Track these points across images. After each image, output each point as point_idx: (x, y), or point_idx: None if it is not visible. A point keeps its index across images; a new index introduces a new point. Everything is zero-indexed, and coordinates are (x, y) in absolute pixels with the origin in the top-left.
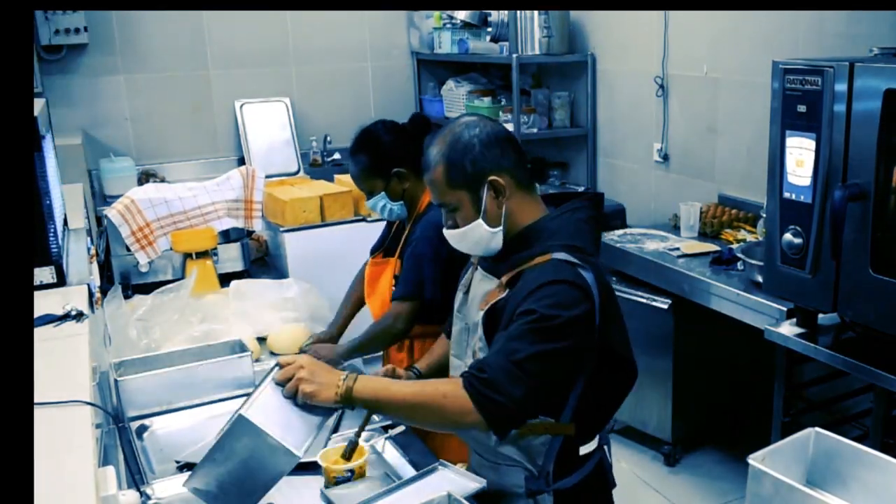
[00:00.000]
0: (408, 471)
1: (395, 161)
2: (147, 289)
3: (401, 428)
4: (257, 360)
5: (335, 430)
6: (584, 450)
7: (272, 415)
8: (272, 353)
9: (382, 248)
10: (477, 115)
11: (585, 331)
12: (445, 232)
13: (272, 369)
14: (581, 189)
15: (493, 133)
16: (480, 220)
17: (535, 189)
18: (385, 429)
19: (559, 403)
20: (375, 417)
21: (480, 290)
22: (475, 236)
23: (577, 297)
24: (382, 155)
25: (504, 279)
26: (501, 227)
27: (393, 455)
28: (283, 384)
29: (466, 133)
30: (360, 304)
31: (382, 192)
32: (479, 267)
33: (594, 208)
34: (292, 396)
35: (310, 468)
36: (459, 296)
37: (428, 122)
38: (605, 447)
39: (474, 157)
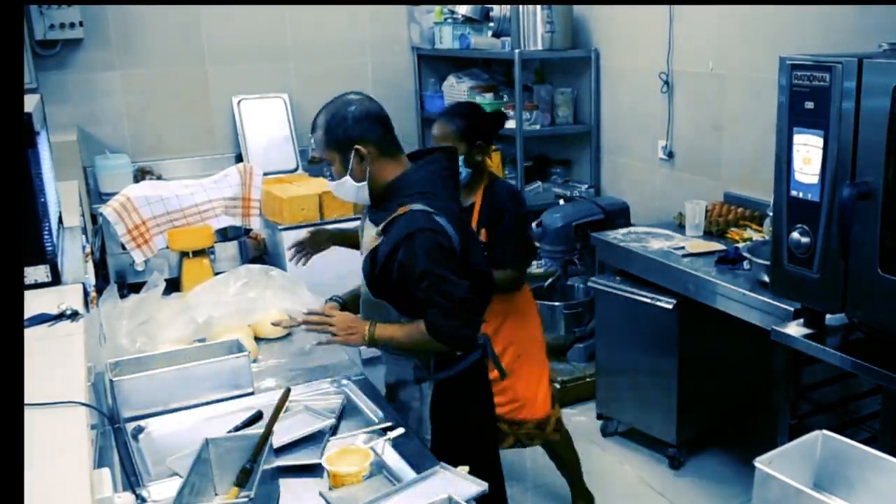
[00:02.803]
0: (407, 472)
1: (481, 135)
2: (143, 288)
3: (400, 431)
4: (255, 361)
5: (333, 433)
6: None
7: None
8: (258, 339)
9: None
10: (359, 94)
11: (454, 259)
12: (327, 182)
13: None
14: (584, 186)
15: (365, 111)
16: (347, 177)
17: (399, 154)
18: (384, 430)
19: None
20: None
21: (367, 236)
22: (345, 188)
23: (437, 240)
24: (476, 126)
25: (380, 227)
26: (365, 183)
27: (392, 457)
28: None
29: (343, 108)
30: None
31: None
32: (366, 218)
33: (447, 159)
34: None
35: (308, 470)
36: (361, 238)
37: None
38: (486, 346)
39: (345, 128)
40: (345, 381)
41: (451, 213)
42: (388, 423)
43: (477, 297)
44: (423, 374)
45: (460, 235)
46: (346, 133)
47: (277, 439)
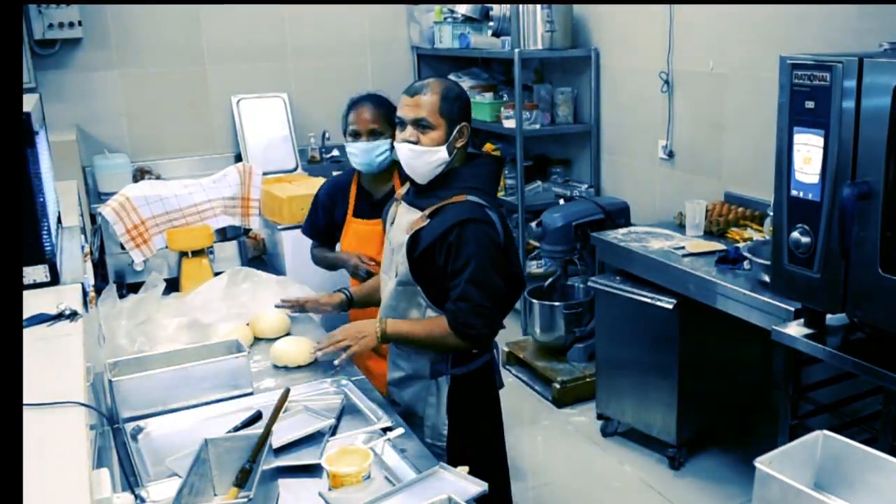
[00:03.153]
0: (407, 473)
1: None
2: (142, 288)
3: (400, 431)
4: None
5: (332, 433)
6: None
7: None
8: (256, 339)
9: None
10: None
11: (499, 255)
12: (400, 145)
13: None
14: (584, 186)
15: (469, 100)
16: (444, 148)
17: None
18: (384, 430)
19: None
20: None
21: (405, 219)
22: (430, 158)
23: (488, 232)
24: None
25: (428, 211)
26: (449, 160)
27: (392, 457)
28: None
29: (460, 88)
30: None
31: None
32: (402, 202)
33: (497, 164)
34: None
35: (308, 471)
36: (387, 226)
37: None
38: (494, 350)
39: (461, 105)
40: (344, 382)
41: (500, 213)
42: (388, 423)
43: (507, 299)
44: (442, 368)
45: (505, 235)
46: (462, 109)
47: (277, 439)
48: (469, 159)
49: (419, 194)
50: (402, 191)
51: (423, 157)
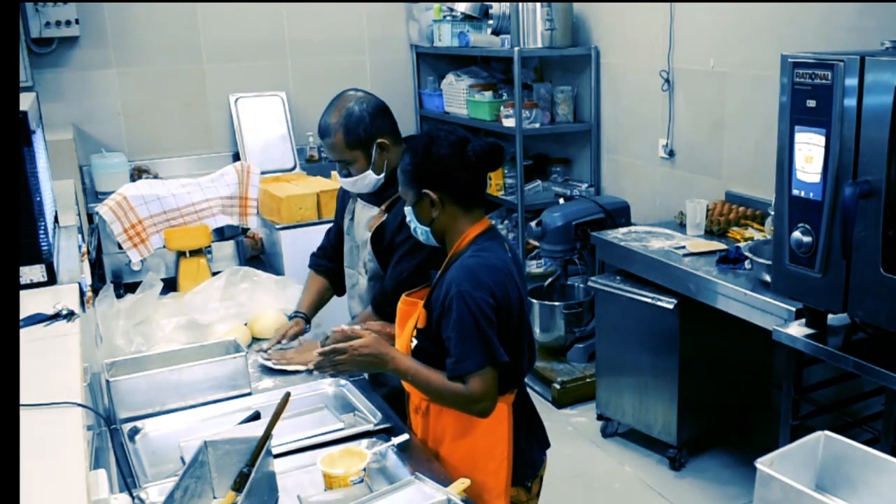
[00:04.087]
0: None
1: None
2: (139, 288)
3: (404, 437)
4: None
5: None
6: None
7: None
8: (255, 339)
9: (426, 287)
10: (357, 90)
11: None
12: (341, 180)
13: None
14: (584, 185)
15: (374, 105)
16: (370, 171)
17: (401, 137)
18: (388, 433)
19: None
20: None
21: (364, 216)
22: (365, 182)
23: None
24: (425, 168)
25: (384, 206)
26: (385, 173)
27: (394, 463)
28: None
29: (355, 107)
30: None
31: (411, 209)
32: (358, 199)
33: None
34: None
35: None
36: (346, 221)
37: (498, 155)
38: None
39: (365, 125)
40: (343, 382)
41: None
42: (388, 425)
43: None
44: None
45: None
46: (367, 130)
47: (280, 440)
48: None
49: (375, 193)
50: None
51: (358, 185)
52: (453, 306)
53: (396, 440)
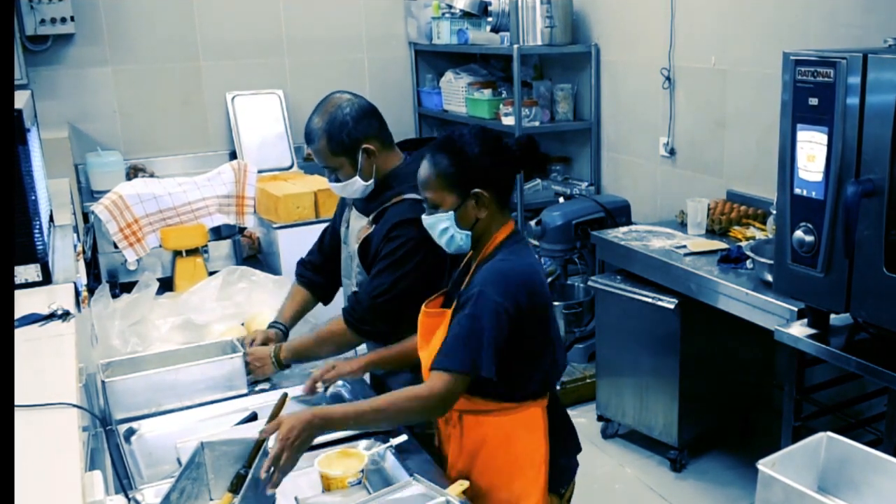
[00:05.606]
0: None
1: (483, 181)
2: (135, 288)
3: (402, 437)
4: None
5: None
6: None
7: None
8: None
9: (441, 294)
10: (344, 93)
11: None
12: (331, 185)
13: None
14: (584, 184)
15: (360, 108)
16: (357, 177)
17: (393, 143)
18: (386, 437)
19: None
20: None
21: (356, 225)
22: (353, 188)
23: (423, 231)
24: (470, 167)
25: (371, 216)
26: (374, 179)
27: (392, 464)
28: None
29: (339, 112)
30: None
31: (451, 214)
32: (353, 207)
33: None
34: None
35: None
36: (343, 229)
37: (536, 147)
38: None
39: (348, 131)
40: (341, 382)
41: None
42: (389, 427)
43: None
44: None
45: None
46: (351, 135)
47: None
48: (413, 147)
49: (366, 200)
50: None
51: (346, 190)
52: (469, 303)
53: (395, 441)
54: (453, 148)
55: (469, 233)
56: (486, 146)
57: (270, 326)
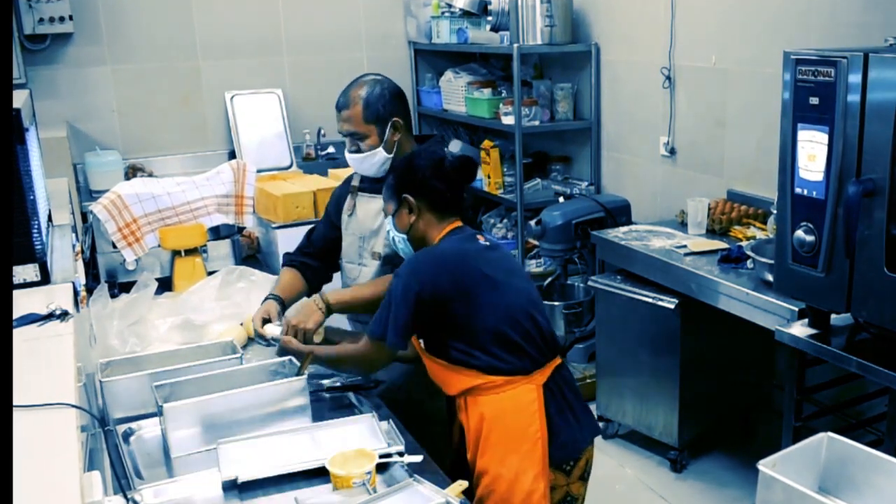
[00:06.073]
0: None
1: (415, 190)
2: (133, 288)
3: (418, 458)
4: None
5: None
6: None
7: None
8: (251, 339)
9: None
10: (379, 75)
11: None
12: (349, 156)
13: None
14: (584, 183)
15: (395, 88)
16: (381, 148)
17: (412, 129)
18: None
19: None
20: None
21: (372, 207)
22: (373, 160)
23: None
24: (402, 178)
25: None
26: (392, 155)
27: (399, 469)
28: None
29: (379, 85)
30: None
31: (391, 218)
32: (359, 193)
33: (446, 143)
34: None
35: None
36: (345, 218)
37: (473, 167)
38: None
39: (384, 102)
40: (339, 383)
41: None
42: (401, 448)
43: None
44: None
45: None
46: (386, 107)
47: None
48: (419, 141)
49: (376, 182)
50: (356, 182)
51: (366, 162)
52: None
53: (408, 458)
54: (401, 163)
55: (404, 236)
56: (429, 162)
57: (265, 301)
